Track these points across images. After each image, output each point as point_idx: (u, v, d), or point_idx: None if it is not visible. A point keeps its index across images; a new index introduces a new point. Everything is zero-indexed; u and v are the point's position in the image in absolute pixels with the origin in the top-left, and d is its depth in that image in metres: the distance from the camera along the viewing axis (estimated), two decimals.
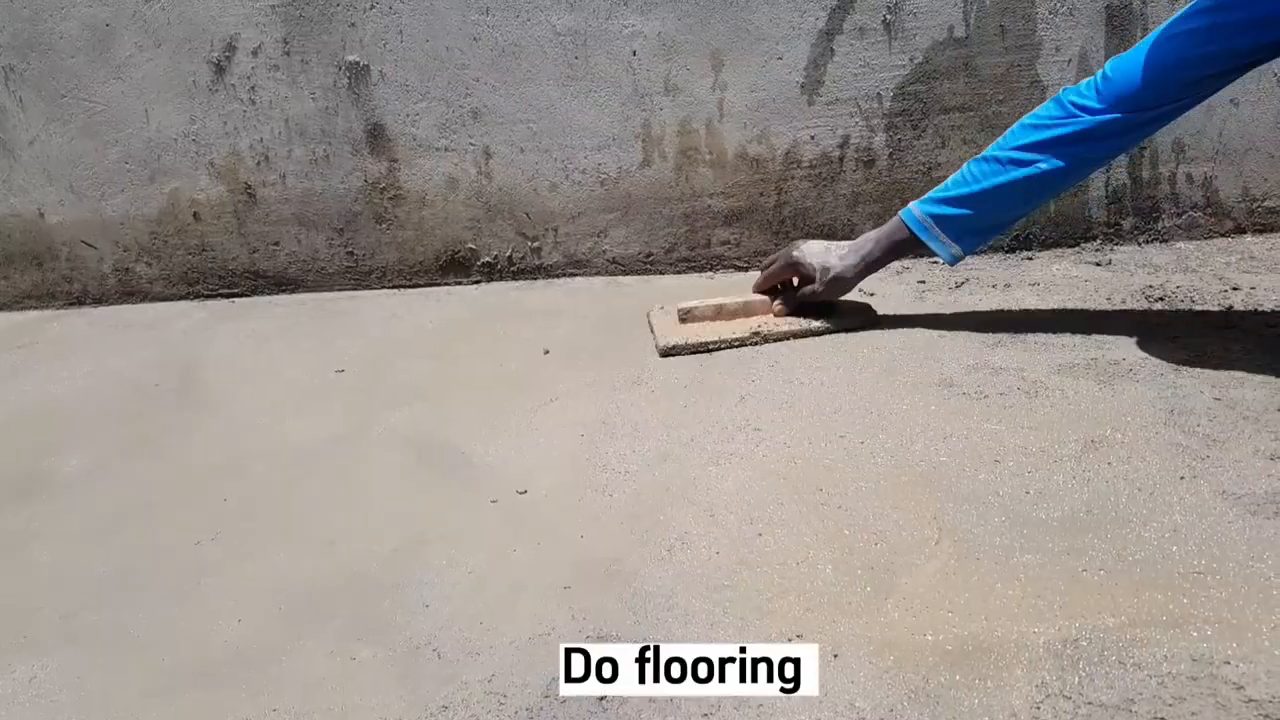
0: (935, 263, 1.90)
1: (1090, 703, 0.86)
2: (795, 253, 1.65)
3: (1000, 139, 1.47)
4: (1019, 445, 1.25)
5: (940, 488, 1.19)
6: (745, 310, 1.69)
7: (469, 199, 2.04)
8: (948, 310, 1.68)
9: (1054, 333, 1.54)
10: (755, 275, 1.97)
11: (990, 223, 1.51)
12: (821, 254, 1.62)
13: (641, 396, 1.51)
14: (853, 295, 1.68)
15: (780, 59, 1.87)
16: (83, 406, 1.71)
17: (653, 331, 1.70)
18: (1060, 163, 1.41)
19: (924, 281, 1.83)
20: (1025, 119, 1.45)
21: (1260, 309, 1.54)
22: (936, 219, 1.52)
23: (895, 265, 1.89)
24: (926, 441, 1.29)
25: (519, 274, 2.08)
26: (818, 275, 1.62)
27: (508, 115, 1.98)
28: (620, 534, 1.17)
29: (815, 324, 1.64)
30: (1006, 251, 1.91)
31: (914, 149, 1.89)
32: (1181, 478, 1.15)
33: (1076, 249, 1.90)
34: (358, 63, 1.98)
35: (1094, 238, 1.90)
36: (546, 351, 1.71)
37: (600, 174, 1.99)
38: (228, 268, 2.16)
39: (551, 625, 1.03)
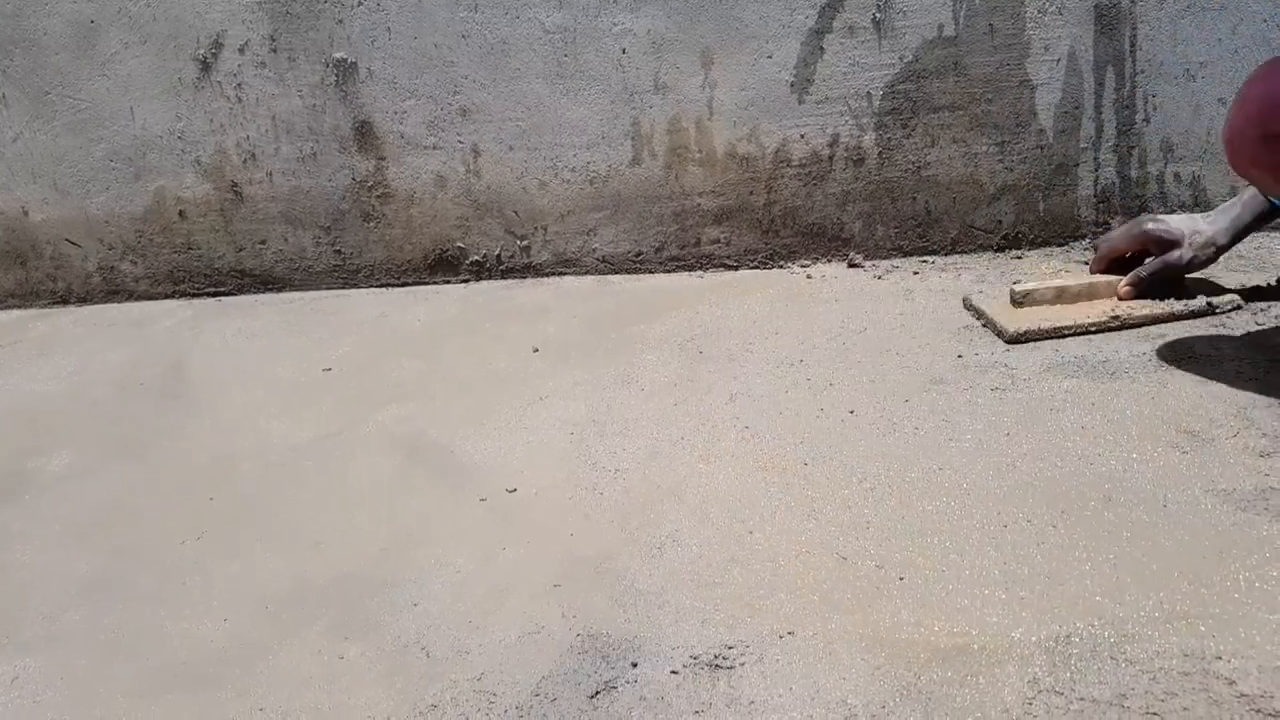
0: (927, 262, 1.90)
1: (1083, 698, 0.85)
2: (1152, 224, 1.53)
3: None
4: (1008, 443, 1.25)
5: (931, 485, 1.18)
6: (1090, 292, 1.57)
7: (457, 197, 2.03)
8: (935, 309, 1.67)
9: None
10: (746, 273, 1.98)
11: None
12: (1186, 220, 1.52)
13: (631, 395, 1.50)
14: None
15: (770, 57, 1.87)
16: (67, 406, 1.69)
17: (981, 318, 1.60)
18: None
19: (909, 292, 1.83)
20: None
21: (1248, 306, 1.54)
22: None
23: (895, 264, 1.88)
24: (917, 439, 1.29)
25: (508, 273, 2.08)
26: (1185, 239, 1.50)
27: (497, 113, 1.97)
28: (610, 532, 1.17)
29: (1177, 305, 1.52)
30: (995, 251, 1.91)
31: (903, 148, 1.89)
32: (1171, 475, 1.15)
33: (1065, 248, 1.90)
34: (345, 60, 1.97)
35: (1083, 236, 1.90)
36: (536, 350, 1.70)
37: (590, 172, 1.98)
38: (214, 266, 2.14)
39: (541, 624, 1.03)
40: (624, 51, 1.90)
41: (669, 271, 2.02)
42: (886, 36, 1.83)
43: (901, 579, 1.03)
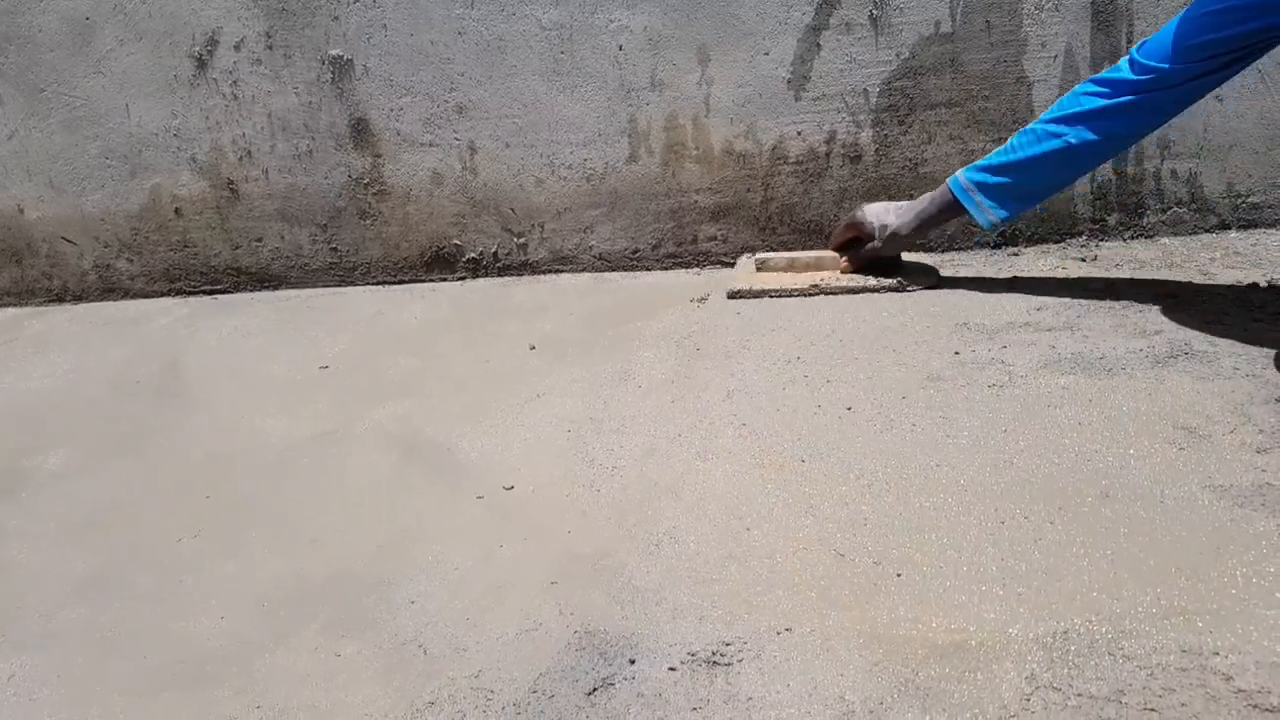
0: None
1: (1080, 694, 0.85)
2: (858, 212, 1.73)
3: (1049, 109, 1.54)
4: (1005, 440, 1.25)
5: (928, 482, 1.18)
6: (817, 264, 1.81)
7: (454, 194, 2.03)
8: (932, 305, 1.67)
9: (1039, 328, 1.54)
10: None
11: (1028, 190, 1.58)
12: (881, 213, 1.70)
13: (628, 392, 1.50)
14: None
15: (767, 54, 1.87)
16: (63, 404, 1.69)
17: (734, 274, 1.85)
18: (1092, 137, 1.48)
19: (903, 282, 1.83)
20: (1069, 93, 1.53)
21: (1245, 303, 1.54)
22: (979, 185, 1.59)
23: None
24: (914, 435, 1.29)
25: (504, 270, 2.07)
26: (877, 232, 1.70)
27: (493, 110, 1.96)
28: (608, 529, 1.17)
29: (871, 281, 1.73)
30: (993, 247, 1.91)
31: (900, 145, 1.89)
32: (1168, 471, 1.15)
33: (1062, 245, 1.90)
34: (341, 57, 1.97)
35: (1080, 234, 1.90)
36: (533, 347, 1.70)
37: (586, 169, 1.98)
38: (210, 264, 2.14)
39: (539, 621, 1.03)
40: (621, 48, 1.90)
41: (666, 269, 2.02)
42: (883, 33, 1.83)
43: (899, 575, 1.03)
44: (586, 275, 2.03)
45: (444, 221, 2.05)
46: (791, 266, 1.83)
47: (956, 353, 1.49)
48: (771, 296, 1.75)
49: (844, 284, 1.74)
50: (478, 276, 2.08)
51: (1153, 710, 0.83)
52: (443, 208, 2.04)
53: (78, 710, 0.98)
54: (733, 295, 1.77)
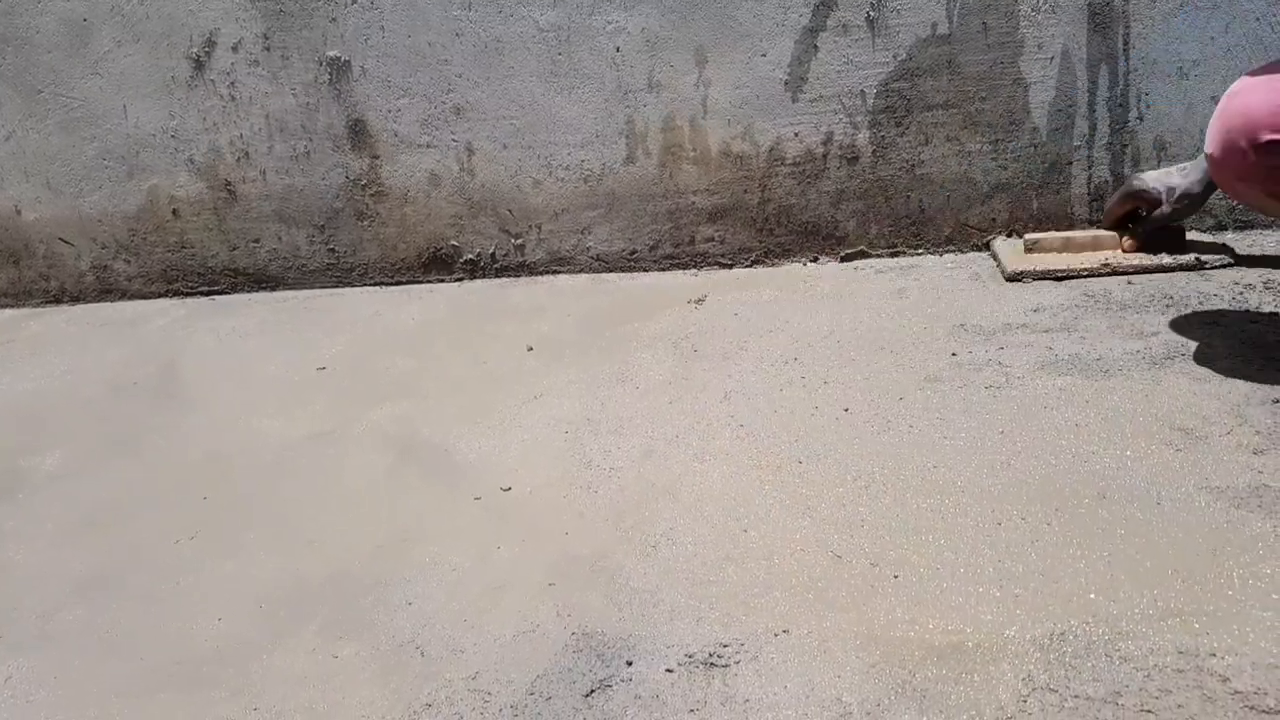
0: (909, 266, 1.90)
1: (1077, 696, 0.86)
2: (1135, 182, 1.64)
3: None
4: (1002, 441, 1.25)
5: (925, 483, 1.18)
6: (1094, 244, 1.72)
7: (451, 196, 2.03)
8: (930, 306, 1.67)
9: (1036, 329, 1.54)
10: (741, 272, 1.98)
11: None
12: (1163, 176, 1.62)
13: (626, 393, 1.50)
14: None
15: (764, 56, 1.87)
16: (60, 405, 1.69)
17: (997, 259, 1.78)
18: None
19: (904, 290, 1.83)
20: None
21: (1242, 305, 1.54)
22: None
23: (880, 262, 1.89)
24: (911, 436, 1.29)
25: (502, 271, 2.07)
26: (1164, 195, 1.61)
27: (490, 111, 1.97)
28: (605, 530, 1.17)
29: (1166, 259, 1.65)
30: (990, 249, 1.92)
31: (897, 146, 1.89)
32: (1165, 472, 1.15)
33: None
34: (339, 58, 1.97)
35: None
36: (530, 349, 1.70)
37: (584, 171, 1.98)
38: (207, 265, 2.14)
39: (536, 622, 1.03)
40: (618, 50, 1.90)
41: (664, 270, 2.02)
42: (880, 35, 1.83)
43: (896, 577, 1.03)
44: (584, 276, 2.03)
45: (441, 223, 2.05)
46: (1067, 246, 1.73)
47: (954, 354, 1.49)
48: (1058, 279, 1.67)
49: (1135, 262, 1.66)
50: (475, 278, 2.08)
51: (1149, 712, 0.83)
52: (440, 209, 2.04)
53: (75, 712, 0.98)
54: (1013, 277, 1.69)
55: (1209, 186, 1.58)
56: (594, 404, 1.48)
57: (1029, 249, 1.76)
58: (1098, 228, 1.78)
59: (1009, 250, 1.80)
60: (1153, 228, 1.66)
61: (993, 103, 1.84)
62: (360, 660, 1.01)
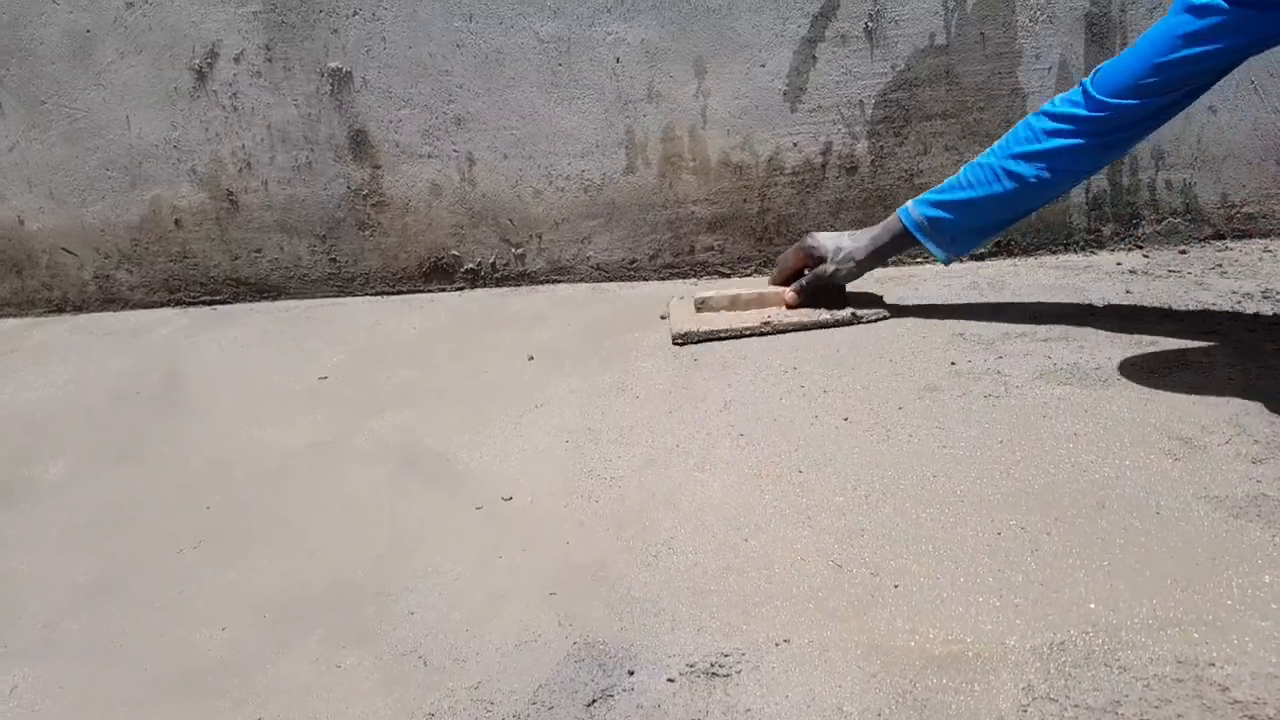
0: (925, 264, 1.91)
1: (1077, 705, 0.86)
2: (807, 239, 1.70)
3: (1000, 141, 1.51)
4: (1001, 451, 1.26)
5: (925, 492, 1.19)
6: (760, 301, 1.74)
7: (452, 205, 2.04)
8: (931, 316, 1.68)
9: (1035, 339, 1.55)
10: (738, 282, 1.99)
11: (985, 226, 1.56)
12: (834, 237, 1.68)
13: (626, 403, 1.51)
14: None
15: (763, 66, 1.88)
16: (63, 414, 1.70)
17: (668, 319, 1.77)
18: (1050, 175, 1.45)
19: (902, 298, 1.84)
20: (1020, 125, 1.49)
21: (1240, 314, 1.55)
22: (932, 221, 1.57)
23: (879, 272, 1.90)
24: (911, 446, 1.29)
25: (503, 280, 2.08)
26: (829, 254, 1.66)
27: (491, 122, 1.97)
28: (606, 540, 1.17)
29: (824, 315, 1.68)
30: (989, 257, 1.92)
31: (896, 156, 1.90)
32: (1164, 482, 1.15)
33: (1057, 255, 1.91)
34: (340, 69, 1.98)
35: (1075, 244, 1.91)
36: (531, 358, 1.70)
37: (584, 180, 1.99)
38: (209, 275, 2.15)
39: (538, 632, 1.03)
40: (618, 61, 1.91)
41: (663, 279, 2.03)
42: (879, 45, 1.84)
43: (896, 586, 1.03)
44: (584, 286, 2.04)
45: (442, 232, 2.06)
46: (734, 304, 1.75)
47: (953, 363, 1.50)
48: (723, 339, 1.68)
49: (795, 319, 1.68)
50: (476, 287, 2.09)
51: None
52: (441, 219, 2.05)
53: None
54: (679, 340, 1.69)
55: (874, 255, 1.65)
56: (595, 413, 1.48)
57: (699, 308, 1.75)
58: (770, 281, 1.80)
59: (679, 310, 1.79)
60: (814, 286, 1.70)
61: (991, 113, 1.85)
62: (363, 670, 1.01)
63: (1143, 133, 1.42)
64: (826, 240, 1.68)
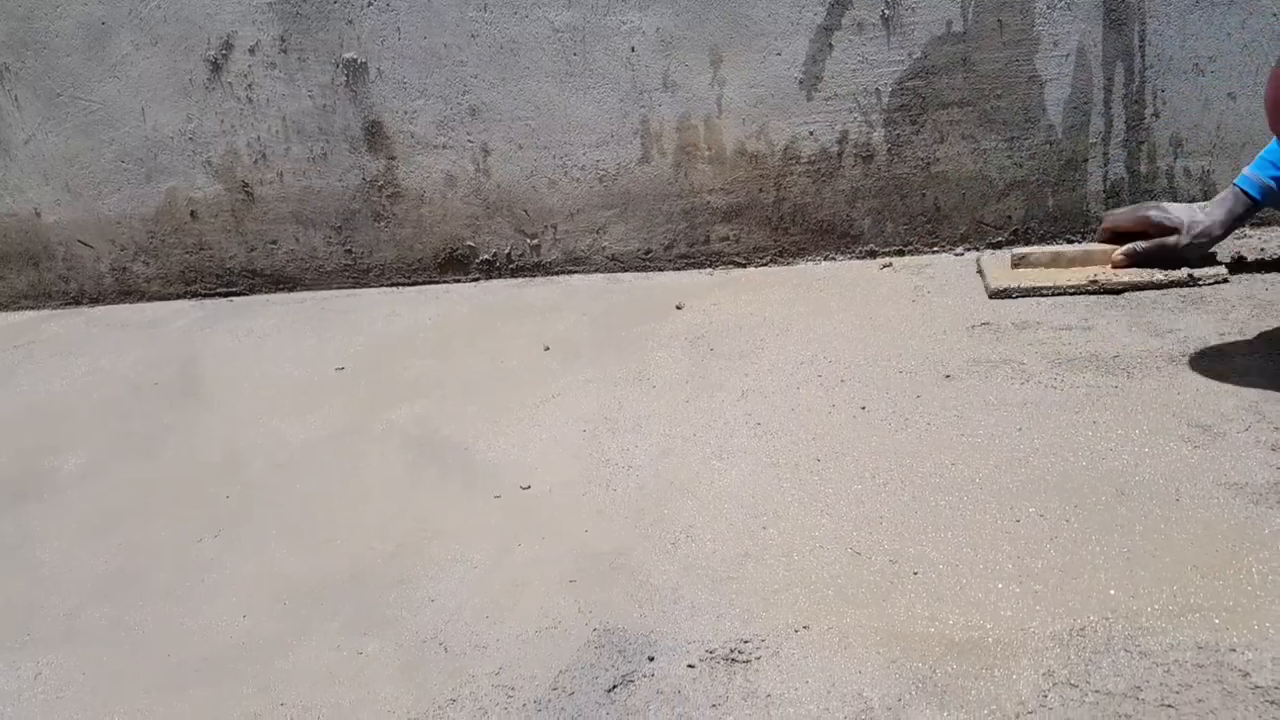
0: (927, 265, 1.90)
1: (1098, 691, 0.86)
2: (1155, 210, 1.61)
3: None
4: (1020, 438, 1.26)
5: (943, 480, 1.19)
6: (1085, 259, 1.67)
7: (467, 196, 2.04)
8: (946, 304, 1.68)
9: (1052, 326, 1.54)
10: (756, 271, 1.98)
11: None
12: (1185, 210, 1.60)
13: (643, 392, 1.51)
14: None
15: (779, 55, 1.88)
16: (81, 406, 1.71)
17: (983, 275, 1.71)
18: None
19: (919, 288, 1.83)
20: None
21: (1258, 301, 1.54)
22: (1278, 180, 1.54)
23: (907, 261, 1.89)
24: (929, 434, 1.29)
25: (518, 271, 2.08)
26: (1184, 228, 1.58)
27: (506, 112, 1.97)
28: (624, 528, 1.18)
29: (1159, 275, 1.59)
30: (1006, 245, 1.92)
31: (913, 144, 1.89)
32: (1183, 468, 1.15)
33: (1075, 244, 1.90)
34: (355, 60, 1.98)
35: (1093, 231, 1.90)
36: (547, 348, 1.71)
37: (599, 170, 1.99)
38: (225, 266, 2.15)
39: (558, 619, 1.03)
40: (633, 50, 1.91)
41: (679, 269, 2.02)
42: (895, 33, 1.84)
43: (915, 573, 1.03)
44: (599, 276, 2.04)
45: (458, 223, 2.06)
46: (1055, 261, 1.68)
47: (970, 352, 1.50)
48: (1045, 295, 1.61)
49: (1126, 279, 1.60)
50: (491, 278, 2.09)
51: (1170, 706, 0.84)
52: (456, 209, 2.05)
53: (104, 708, 0.99)
54: (996, 294, 1.63)
55: (1228, 228, 1.59)
56: (611, 403, 1.49)
57: (1016, 264, 1.70)
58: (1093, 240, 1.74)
59: (995, 266, 1.74)
60: (1155, 255, 1.62)
61: (1008, 100, 1.84)
62: (384, 656, 1.02)
63: None
64: (1180, 212, 1.60)
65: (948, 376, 1.43)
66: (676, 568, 1.09)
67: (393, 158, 2.03)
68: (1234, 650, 0.88)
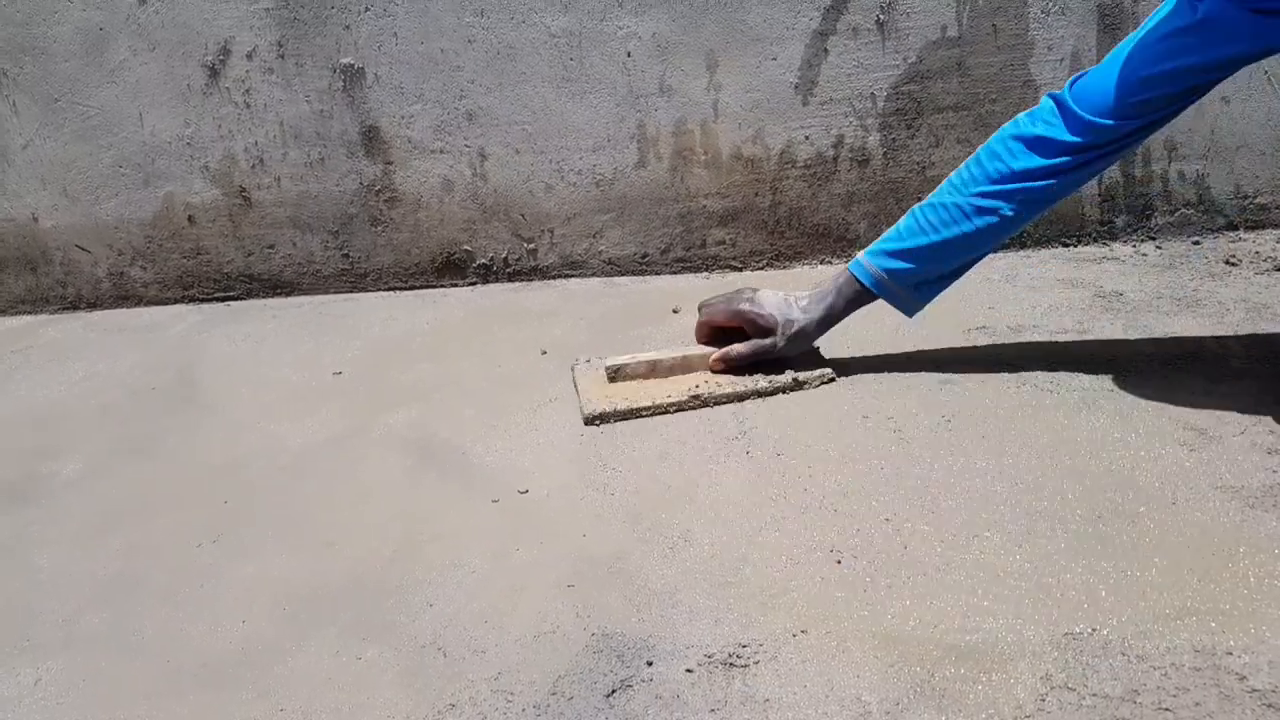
0: None
1: (1095, 694, 0.86)
2: (748, 305, 1.47)
3: (956, 177, 1.38)
4: (1018, 443, 1.26)
5: (941, 484, 1.19)
6: (684, 365, 1.52)
7: (464, 201, 2.04)
8: (943, 307, 1.68)
9: (1048, 330, 1.55)
10: (750, 275, 1.99)
11: (948, 269, 1.42)
12: (783, 306, 1.46)
13: None
14: None
15: (774, 59, 1.88)
16: (79, 410, 1.71)
17: (577, 394, 1.52)
18: (1029, 201, 1.33)
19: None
20: (984, 154, 1.36)
21: (1254, 305, 1.55)
22: (891, 273, 1.41)
23: None
24: (924, 436, 1.30)
25: (515, 275, 2.09)
26: (779, 329, 1.45)
27: (503, 117, 1.98)
28: (622, 532, 1.18)
29: (762, 382, 1.47)
30: (1002, 249, 1.92)
31: (908, 148, 1.90)
32: (1180, 472, 1.15)
33: (1070, 247, 1.91)
34: (352, 65, 1.98)
35: (1088, 235, 1.91)
36: (544, 352, 1.71)
37: (596, 175, 1.99)
38: (223, 271, 2.16)
39: (556, 623, 1.04)
40: (629, 55, 1.91)
41: (675, 273, 2.03)
42: (890, 38, 1.84)
43: (913, 577, 1.04)
44: (596, 280, 2.04)
45: (455, 228, 2.06)
46: (654, 371, 1.52)
47: (968, 355, 1.50)
48: (645, 416, 1.45)
49: (729, 390, 1.46)
50: (488, 282, 2.09)
51: (1167, 710, 0.84)
52: (453, 214, 2.05)
53: (104, 714, 0.99)
54: (591, 420, 1.45)
55: (826, 326, 1.47)
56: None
57: (613, 378, 1.52)
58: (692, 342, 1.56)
59: (590, 382, 1.54)
60: (754, 359, 1.48)
61: (1003, 104, 1.85)
62: (383, 661, 1.02)
63: (1136, 145, 1.33)
64: (773, 309, 1.46)
65: (946, 380, 1.43)
66: (674, 572, 1.09)
67: (390, 162, 2.03)
68: (1231, 654, 0.89)
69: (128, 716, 0.98)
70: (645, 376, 1.52)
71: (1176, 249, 1.84)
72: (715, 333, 1.53)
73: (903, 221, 1.41)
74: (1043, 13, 1.80)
